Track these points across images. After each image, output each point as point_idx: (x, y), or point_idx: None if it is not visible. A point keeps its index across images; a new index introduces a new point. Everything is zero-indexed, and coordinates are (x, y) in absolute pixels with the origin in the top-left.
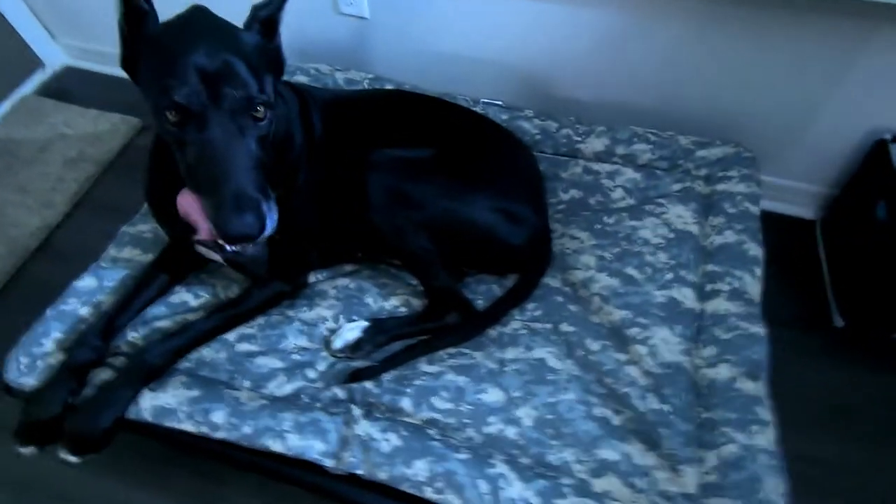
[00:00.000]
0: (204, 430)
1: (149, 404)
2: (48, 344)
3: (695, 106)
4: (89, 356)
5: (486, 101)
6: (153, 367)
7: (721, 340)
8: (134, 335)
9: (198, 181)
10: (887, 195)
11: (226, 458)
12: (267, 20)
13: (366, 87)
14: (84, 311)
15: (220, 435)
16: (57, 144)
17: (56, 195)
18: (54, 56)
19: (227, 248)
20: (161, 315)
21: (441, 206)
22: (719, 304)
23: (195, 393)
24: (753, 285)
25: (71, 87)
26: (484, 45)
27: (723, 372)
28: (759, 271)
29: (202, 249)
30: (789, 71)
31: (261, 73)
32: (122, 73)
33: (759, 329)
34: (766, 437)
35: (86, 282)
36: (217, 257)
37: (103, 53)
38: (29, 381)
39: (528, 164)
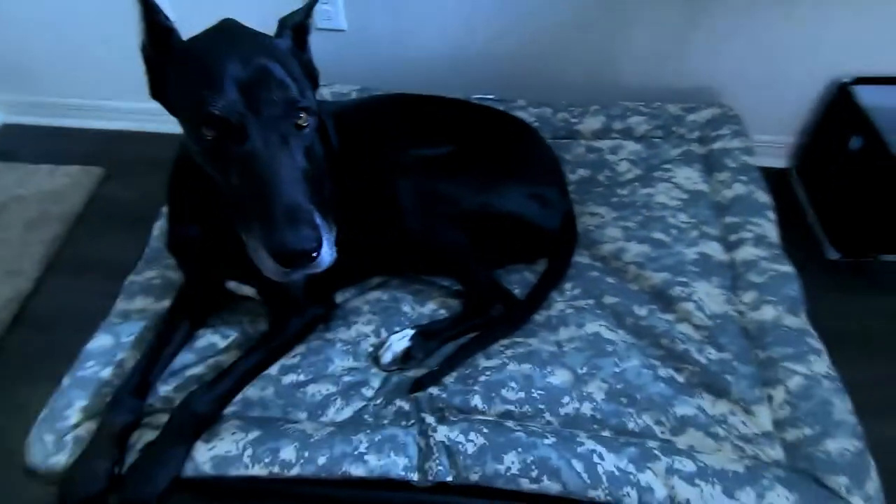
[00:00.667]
0: (275, 470)
1: (206, 456)
2: (73, 415)
3: (656, 74)
4: (128, 418)
5: (478, 96)
6: (203, 416)
7: (757, 284)
8: (166, 389)
9: (243, 202)
10: (859, 129)
11: (293, 498)
12: (297, 28)
13: (353, 98)
14: (106, 372)
15: (294, 472)
16: (13, 207)
17: (23, 261)
18: None
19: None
20: (190, 363)
21: (476, 200)
22: (747, 252)
23: (255, 433)
24: (771, 229)
25: (13, 145)
26: (464, 41)
27: (767, 312)
28: (772, 215)
29: (232, 285)
30: (748, 27)
31: (298, 78)
32: (70, 122)
33: (788, 268)
34: (823, 364)
35: (100, 341)
36: (250, 292)
37: (46, 104)
38: (60, 460)
39: (543, 146)
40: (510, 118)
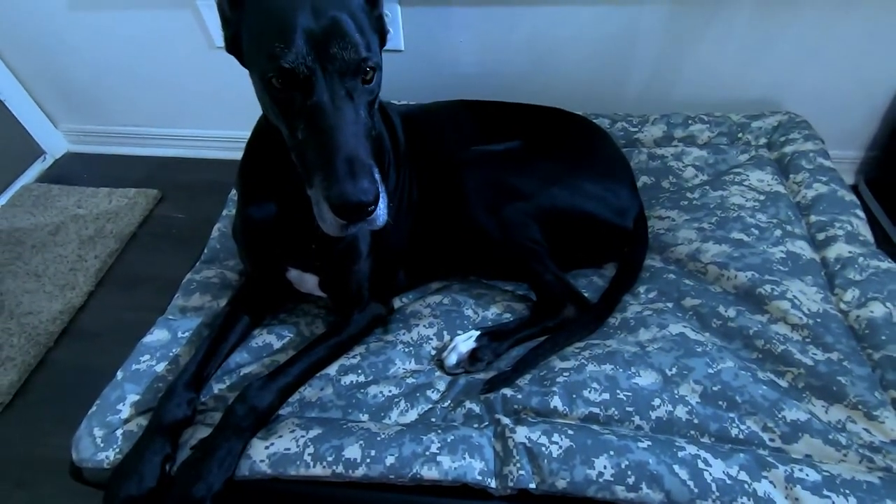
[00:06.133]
0: (339, 470)
1: (264, 454)
2: (126, 409)
3: (713, 88)
4: (183, 412)
5: None
6: (261, 410)
7: (858, 282)
8: (220, 387)
9: (307, 156)
10: None
11: None
12: None
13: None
14: (160, 367)
15: (359, 473)
16: (70, 226)
17: (77, 275)
18: (56, 143)
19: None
20: (245, 362)
21: (552, 194)
22: (840, 249)
23: (317, 431)
24: (863, 226)
25: (74, 171)
26: (518, 58)
27: (877, 310)
28: (861, 213)
29: (293, 275)
30: (807, 35)
31: (367, 33)
32: (129, 150)
33: (890, 264)
34: None
35: (157, 335)
36: (311, 283)
37: (106, 133)
38: (109, 456)
39: (611, 143)
40: (576, 117)
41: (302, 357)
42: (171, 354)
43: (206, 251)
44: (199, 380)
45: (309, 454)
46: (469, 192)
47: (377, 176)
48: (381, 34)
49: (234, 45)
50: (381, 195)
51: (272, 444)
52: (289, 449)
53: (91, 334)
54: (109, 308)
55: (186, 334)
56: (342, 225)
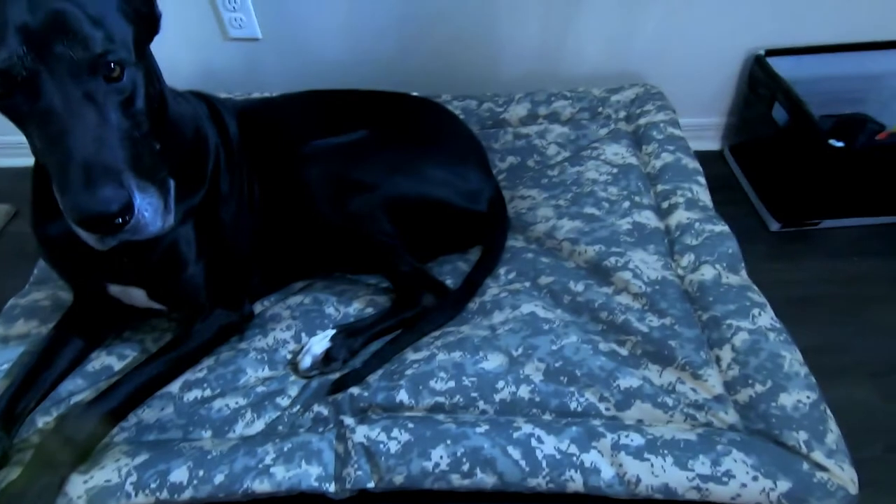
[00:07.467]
0: (163, 496)
1: (81, 490)
2: None
3: (589, 64)
4: None
5: None
6: (78, 442)
7: (694, 246)
8: (47, 420)
9: (48, 167)
10: (779, 97)
11: None
12: None
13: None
14: None
15: (186, 496)
16: None
17: None
18: None
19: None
20: (79, 389)
21: (396, 183)
22: (680, 216)
23: (143, 457)
24: (702, 192)
25: None
26: (382, 43)
27: (707, 272)
28: (702, 179)
29: (116, 290)
30: (675, 10)
31: (108, 24)
32: None
33: (722, 227)
34: (767, 317)
35: None
36: (140, 298)
37: None
38: None
39: (464, 129)
40: (423, 101)
41: (132, 377)
42: None
43: (35, 271)
44: (10, 416)
45: (131, 484)
46: (313, 189)
47: (130, 182)
48: (147, 21)
49: None
50: (142, 202)
51: (92, 476)
52: (109, 480)
53: None
54: None
55: (4, 367)
56: (98, 238)
